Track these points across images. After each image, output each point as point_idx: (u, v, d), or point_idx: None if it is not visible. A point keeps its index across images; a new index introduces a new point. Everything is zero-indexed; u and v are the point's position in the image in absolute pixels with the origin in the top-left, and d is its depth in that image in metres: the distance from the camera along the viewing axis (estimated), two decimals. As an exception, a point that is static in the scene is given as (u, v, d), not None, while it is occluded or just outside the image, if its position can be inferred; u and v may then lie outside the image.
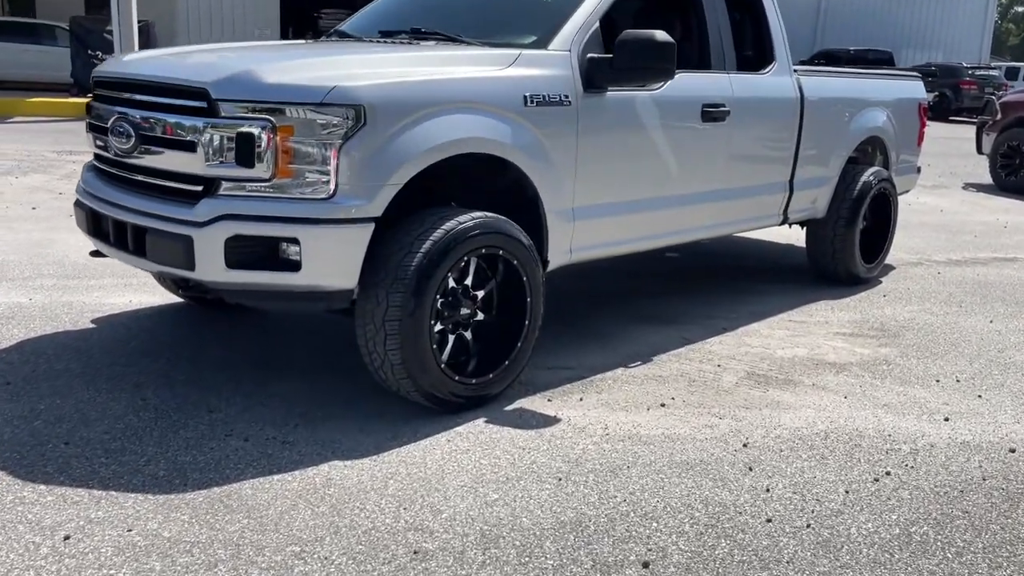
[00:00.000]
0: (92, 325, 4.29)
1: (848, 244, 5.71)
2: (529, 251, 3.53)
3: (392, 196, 3.14)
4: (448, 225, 3.25)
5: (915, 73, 6.89)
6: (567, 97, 3.70)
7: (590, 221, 3.96)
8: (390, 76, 3.22)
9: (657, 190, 4.29)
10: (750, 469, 3.10)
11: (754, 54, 5.16)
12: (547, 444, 3.21)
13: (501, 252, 3.44)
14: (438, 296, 3.23)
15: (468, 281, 3.46)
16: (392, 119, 3.13)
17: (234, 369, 3.78)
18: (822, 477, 3.07)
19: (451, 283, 3.38)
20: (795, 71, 5.22)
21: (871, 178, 5.78)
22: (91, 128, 3.68)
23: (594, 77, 3.79)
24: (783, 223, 5.38)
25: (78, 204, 3.70)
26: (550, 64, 3.70)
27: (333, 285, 3.13)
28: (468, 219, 3.30)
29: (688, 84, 4.35)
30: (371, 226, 3.11)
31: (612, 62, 3.76)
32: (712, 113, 4.44)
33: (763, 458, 3.19)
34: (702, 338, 4.61)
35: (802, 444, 3.33)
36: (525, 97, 3.53)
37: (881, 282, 6.08)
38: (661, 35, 3.72)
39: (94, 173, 3.71)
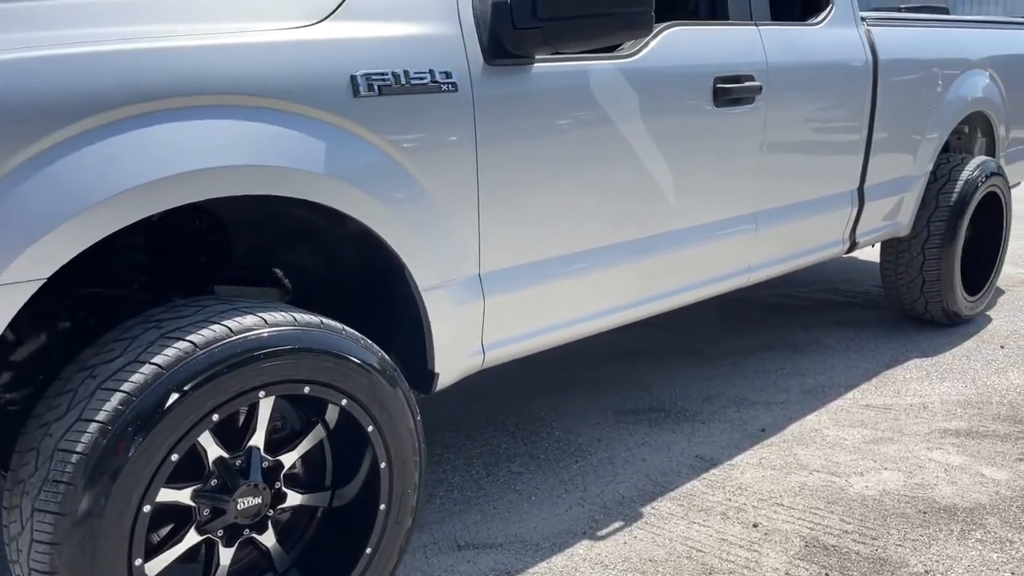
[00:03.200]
0: None
1: (945, 271, 3.91)
2: (379, 376, 1.84)
3: (16, 307, 1.47)
4: (166, 358, 1.55)
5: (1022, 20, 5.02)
6: (450, 76, 1.98)
7: (516, 293, 2.25)
8: (40, 41, 1.53)
9: (637, 227, 2.53)
10: None
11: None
12: None
13: (307, 391, 1.76)
14: (145, 502, 1.55)
15: (256, 440, 1.78)
16: (12, 138, 1.45)
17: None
18: None
19: (213, 450, 1.70)
20: (864, 19, 3.43)
21: (976, 173, 3.95)
22: None
23: (505, 37, 2.08)
24: (850, 250, 3.60)
25: None
26: (413, 14, 1.98)
27: None
28: (210, 342, 1.59)
29: (687, 45, 2.59)
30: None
31: (535, 6, 2.04)
32: (732, 91, 2.67)
33: None
34: (728, 453, 2.87)
35: None
36: (356, 81, 1.82)
37: (991, 319, 4.26)
38: (625, -48, 2.00)
39: None
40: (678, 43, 2.54)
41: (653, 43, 2.47)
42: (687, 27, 2.60)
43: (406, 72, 1.90)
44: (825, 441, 2.96)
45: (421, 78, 1.92)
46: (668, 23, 2.55)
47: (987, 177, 4.00)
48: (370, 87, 1.84)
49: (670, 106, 2.52)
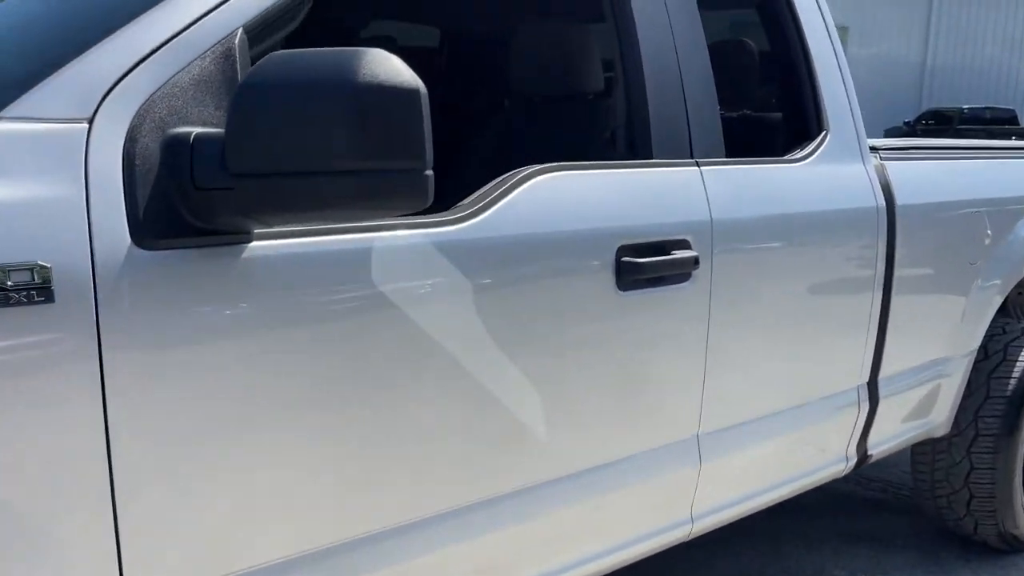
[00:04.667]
0: None
1: (1002, 482, 2.84)
2: None
3: None
4: None
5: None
6: (37, 277, 1.10)
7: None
8: None
9: (473, 486, 1.58)
10: None
11: (784, 118, 2.47)
12: None
13: None
14: None
15: None
16: None
17: None
18: None
19: None
20: (876, 150, 2.48)
21: (1042, 350, 2.92)
22: None
23: (182, 200, 1.20)
24: (858, 466, 2.56)
25: None
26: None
27: None
28: None
29: (568, 200, 1.65)
30: None
31: (224, 154, 1.16)
32: (645, 268, 1.73)
33: None
34: None
35: None
36: None
37: (1067, 542, 3.15)
38: (377, 66, 1.11)
39: None
40: (550, 198, 1.63)
41: (504, 200, 1.57)
42: (567, 172, 1.69)
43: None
44: None
45: (-48, 288, 1.04)
46: (533, 168, 1.64)
47: (1058, 355, 2.96)
48: None
49: (531, 298, 1.59)
